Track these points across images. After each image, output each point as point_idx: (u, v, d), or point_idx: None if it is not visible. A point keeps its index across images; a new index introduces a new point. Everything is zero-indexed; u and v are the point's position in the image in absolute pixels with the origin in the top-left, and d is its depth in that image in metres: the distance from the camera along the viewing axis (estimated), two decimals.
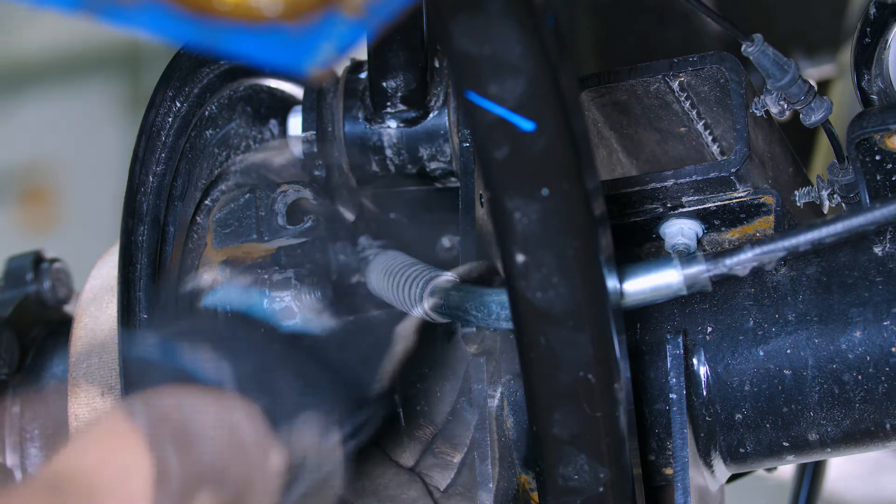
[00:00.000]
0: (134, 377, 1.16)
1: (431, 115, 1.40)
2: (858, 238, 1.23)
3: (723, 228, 1.33)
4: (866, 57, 1.31)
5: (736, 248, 1.16)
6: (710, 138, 1.39)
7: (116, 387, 1.28)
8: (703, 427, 1.27)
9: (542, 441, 1.17)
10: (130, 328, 1.26)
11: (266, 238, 1.35)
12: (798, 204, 1.38)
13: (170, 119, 1.34)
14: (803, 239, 1.15)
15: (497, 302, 1.22)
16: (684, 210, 1.32)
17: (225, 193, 1.40)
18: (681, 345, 1.26)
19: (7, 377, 1.41)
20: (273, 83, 1.46)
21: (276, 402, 1.14)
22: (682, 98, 1.37)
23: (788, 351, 1.25)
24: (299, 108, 1.43)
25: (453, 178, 1.43)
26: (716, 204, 1.31)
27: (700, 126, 1.39)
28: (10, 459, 1.39)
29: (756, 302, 1.27)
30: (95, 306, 1.33)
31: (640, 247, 1.35)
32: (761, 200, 1.30)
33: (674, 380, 1.25)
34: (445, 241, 1.56)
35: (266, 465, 1.10)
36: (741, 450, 1.28)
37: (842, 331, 1.24)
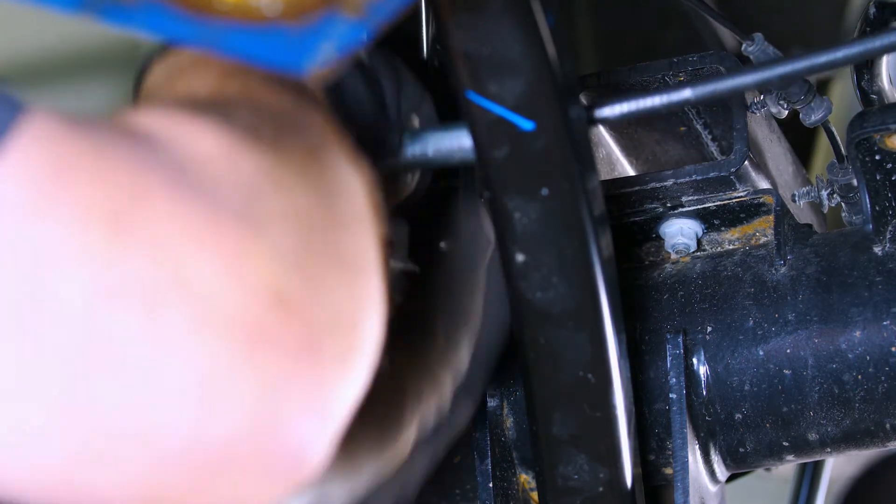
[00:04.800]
0: None
1: None
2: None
3: (722, 228, 1.33)
4: None
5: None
6: (709, 138, 1.40)
7: None
8: (703, 427, 1.27)
9: (542, 441, 1.17)
10: None
11: None
12: (798, 204, 1.38)
13: None
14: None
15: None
16: (684, 210, 1.32)
17: None
18: (681, 344, 1.26)
19: None
20: None
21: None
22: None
23: (788, 351, 1.25)
24: None
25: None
26: (716, 204, 1.31)
27: (700, 126, 1.39)
28: None
29: (756, 302, 1.27)
30: None
31: (640, 247, 1.35)
32: (761, 200, 1.30)
33: (674, 380, 1.25)
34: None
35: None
36: (741, 449, 1.28)
37: (842, 331, 1.24)
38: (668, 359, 1.26)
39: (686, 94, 1.13)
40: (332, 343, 0.81)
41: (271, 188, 0.81)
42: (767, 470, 1.47)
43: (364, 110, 1.07)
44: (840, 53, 1.13)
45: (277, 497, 0.82)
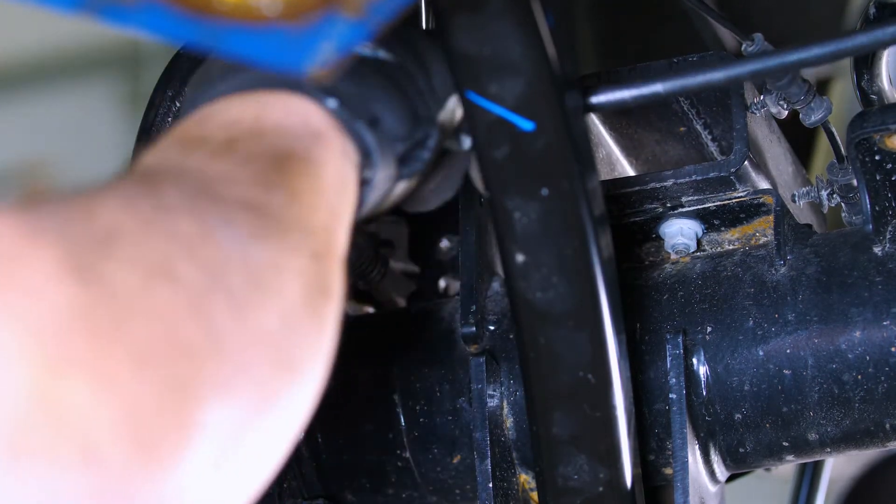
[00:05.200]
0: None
1: None
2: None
3: (722, 228, 1.33)
4: (866, 57, 1.31)
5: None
6: (709, 138, 1.40)
7: None
8: (702, 427, 1.27)
9: (542, 441, 1.17)
10: None
11: None
12: (798, 204, 1.38)
13: (170, 119, 1.34)
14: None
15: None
16: (684, 210, 1.32)
17: None
18: (681, 345, 1.26)
19: None
20: None
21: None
22: (682, 98, 1.37)
23: (788, 351, 1.25)
24: None
25: None
26: (716, 204, 1.31)
27: (700, 126, 1.39)
28: None
29: (756, 302, 1.27)
30: None
31: (640, 247, 1.35)
32: (761, 200, 1.30)
33: (673, 380, 1.25)
34: (445, 241, 1.56)
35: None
36: (741, 449, 1.28)
37: (841, 331, 1.24)
38: (668, 359, 1.26)
39: (704, 77, 1.13)
40: (128, 443, 0.72)
41: (58, 284, 0.73)
42: (767, 470, 1.47)
43: (396, 131, 1.02)
44: (849, 43, 1.13)
45: None
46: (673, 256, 1.34)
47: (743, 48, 1.29)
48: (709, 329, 1.27)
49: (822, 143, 1.93)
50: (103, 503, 0.71)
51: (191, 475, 0.75)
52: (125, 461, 0.71)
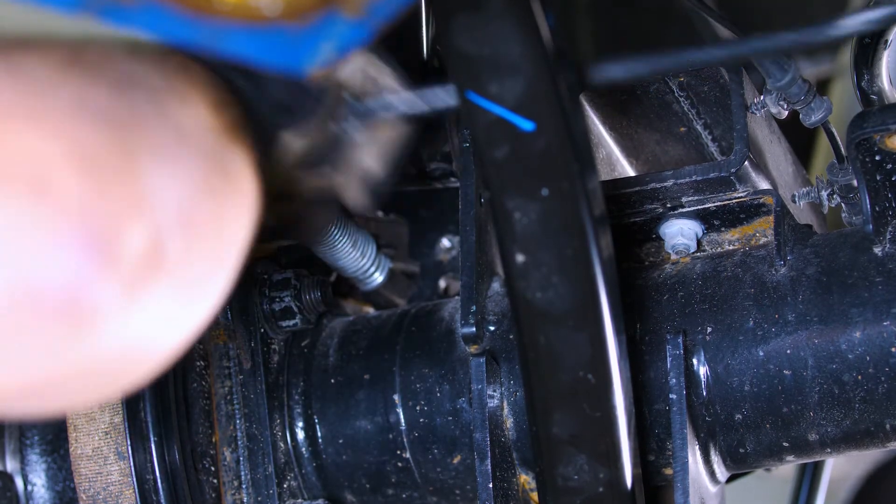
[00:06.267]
0: None
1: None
2: None
3: (723, 228, 1.33)
4: (866, 57, 1.31)
5: None
6: (709, 138, 1.40)
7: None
8: (703, 427, 1.27)
9: (542, 441, 1.17)
10: None
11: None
12: (798, 204, 1.38)
13: None
14: None
15: None
16: (684, 210, 1.32)
17: None
18: (681, 345, 1.26)
19: None
20: None
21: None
22: (682, 98, 1.37)
23: (788, 351, 1.25)
24: None
25: (453, 178, 1.43)
26: (716, 204, 1.31)
27: (700, 126, 1.39)
28: (10, 465, 1.39)
29: (756, 302, 1.27)
30: None
31: (640, 247, 1.35)
32: (761, 200, 1.30)
33: (674, 380, 1.26)
34: (445, 242, 1.56)
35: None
36: (741, 450, 1.28)
37: (842, 331, 1.24)
38: (668, 359, 1.26)
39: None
40: (81, 175, 0.77)
41: None
42: (767, 470, 1.47)
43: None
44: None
45: (81, 351, 0.77)
46: (673, 257, 1.34)
47: None
48: (709, 329, 1.27)
49: (822, 143, 1.93)
50: (65, 232, 0.75)
51: (147, 230, 0.78)
52: (81, 191, 0.76)
